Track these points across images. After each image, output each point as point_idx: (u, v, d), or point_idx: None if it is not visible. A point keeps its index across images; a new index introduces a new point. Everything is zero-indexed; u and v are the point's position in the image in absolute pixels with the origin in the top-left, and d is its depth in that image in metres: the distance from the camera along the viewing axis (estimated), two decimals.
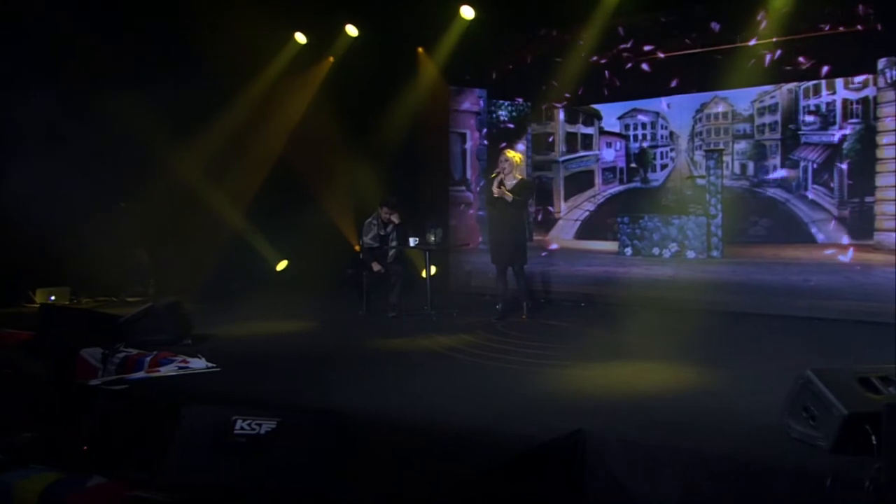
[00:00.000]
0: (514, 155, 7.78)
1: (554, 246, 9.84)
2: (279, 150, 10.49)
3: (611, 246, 9.41)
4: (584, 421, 4.10)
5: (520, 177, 7.78)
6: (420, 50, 10.39)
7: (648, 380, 5.19)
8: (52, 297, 9.04)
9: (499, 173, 7.69)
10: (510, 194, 7.55)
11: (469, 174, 10.45)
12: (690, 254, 8.81)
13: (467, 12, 9.60)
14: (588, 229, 9.65)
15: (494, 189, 7.54)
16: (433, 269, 9.97)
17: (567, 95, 9.58)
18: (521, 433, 4.01)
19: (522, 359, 6.02)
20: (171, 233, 9.61)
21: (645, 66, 8.93)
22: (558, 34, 9.43)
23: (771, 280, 8.19)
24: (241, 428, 3.13)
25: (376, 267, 8.39)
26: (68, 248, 8.68)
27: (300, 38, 10.55)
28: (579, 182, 9.69)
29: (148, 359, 5.92)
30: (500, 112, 10.31)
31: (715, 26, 8.37)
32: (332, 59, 10.79)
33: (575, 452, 3.94)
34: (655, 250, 9.05)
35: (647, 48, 8.89)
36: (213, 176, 10.00)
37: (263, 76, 10.41)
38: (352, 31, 10.40)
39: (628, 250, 9.27)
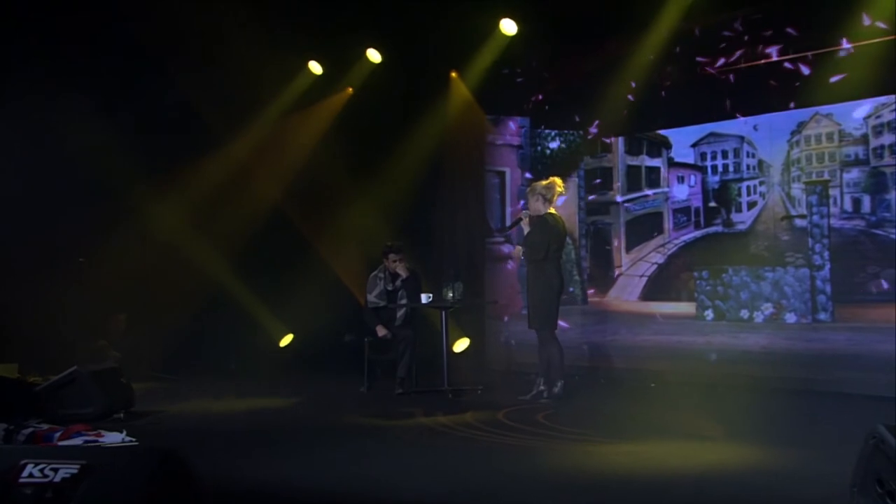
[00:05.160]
0: (537, 184, 7.52)
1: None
2: (280, 196, 10.55)
3: (686, 308, 9.14)
4: (579, 501, 4.02)
5: (542, 209, 7.41)
6: (453, 74, 10.34)
7: (688, 458, 4.99)
8: None
9: (521, 218, 7.64)
10: (519, 250, 7.57)
11: (509, 222, 10.05)
12: (790, 317, 8.43)
13: (509, 27, 9.56)
14: (657, 288, 9.40)
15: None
16: (465, 342, 9.77)
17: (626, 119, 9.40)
18: None
19: (534, 437, 5.80)
20: (143, 295, 9.67)
21: (724, 79, 8.69)
22: (615, 47, 9.22)
23: None
24: (30, 474, 2.86)
25: (381, 332, 8.18)
26: (18, 313, 8.63)
27: (315, 67, 10.68)
28: (645, 227, 9.50)
29: (58, 434, 5.80)
30: (548, 143, 10.19)
31: (811, 25, 8.09)
32: (350, 90, 10.88)
33: None
34: (744, 313, 8.71)
35: (726, 57, 8.67)
36: (198, 227, 10.04)
37: (271, 110, 10.63)
38: (374, 56, 10.47)
39: (709, 314, 8.96)
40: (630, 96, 9.14)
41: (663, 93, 9.08)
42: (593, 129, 9.80)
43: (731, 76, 8.66)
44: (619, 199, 9.68)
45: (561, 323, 7.53)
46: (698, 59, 8.84)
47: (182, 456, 2.92)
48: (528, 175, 10.09)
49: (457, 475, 4.67)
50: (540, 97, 10.12)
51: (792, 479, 4.47)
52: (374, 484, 4.44)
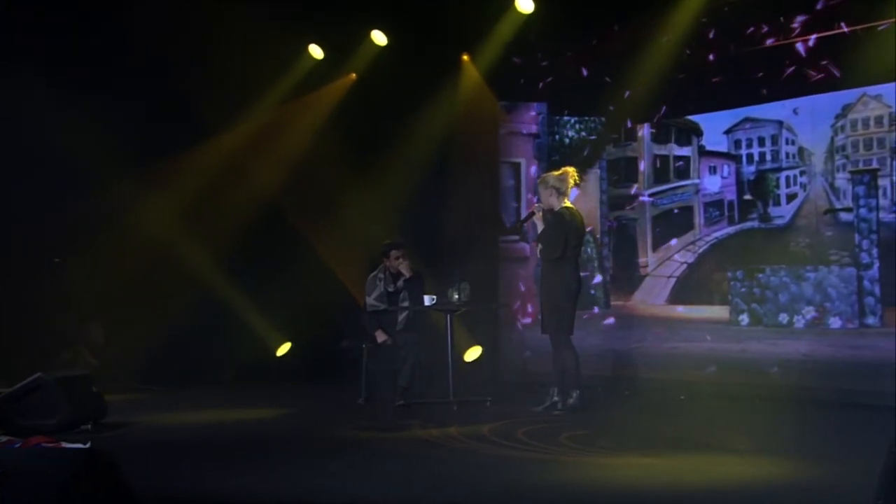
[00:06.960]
0: (549, 175, 7.41)
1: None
2: (276, 191, 10.58)
3: (719, 312, 9.07)
4: None
5: (555, 204, 7.27)
6: (465, 57, 10.31)
7: (705, 472, 4.97)
8: None
9: (533, 212, 7.49)
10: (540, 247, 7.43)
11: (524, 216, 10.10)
12: (834, 321, 8.35)
13: (525, 5, 9.51)
14: (687, 290, 9.36)
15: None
16: (477, 350, 9.77)
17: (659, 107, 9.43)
18: None
19: (537, 450, 5.76)
20: (128, 299, 9.68)
21: (760, 59, 8.58)
22: (640, 25, 9.10)
23: None
24: None
25: (381, 337, 8.12)
26: None
27: (315, 51, 10.67)
28: (673, 223, 9.49)
29: (16, 446, 5.63)
30: (566, 132, 10.15)
31: None
32: (353, 75, 10.86)
33: None
34: (783, 317, 8.64)
35: (761, 34, 8.59)
36: (188, 225, 10.07)
37: (267, 98, 10.68)
38: (379, 38, 10.44)
39: (744, 318, 8.89)
40: (657, 79, 8.97)
41: (693, 75, 8.97)
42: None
43: (768, 55, 8.54)
44: (644, 192, 9.67)
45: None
46: (731, 37, 8.74)
47: (110, 457, 2.96)
48: (533, 171, 10.08)
49: (451, 488, 4.67)
50: (558, 81, 10.01)
51: (812, 492, 4.45)
52: (362, 498, 4.45)
